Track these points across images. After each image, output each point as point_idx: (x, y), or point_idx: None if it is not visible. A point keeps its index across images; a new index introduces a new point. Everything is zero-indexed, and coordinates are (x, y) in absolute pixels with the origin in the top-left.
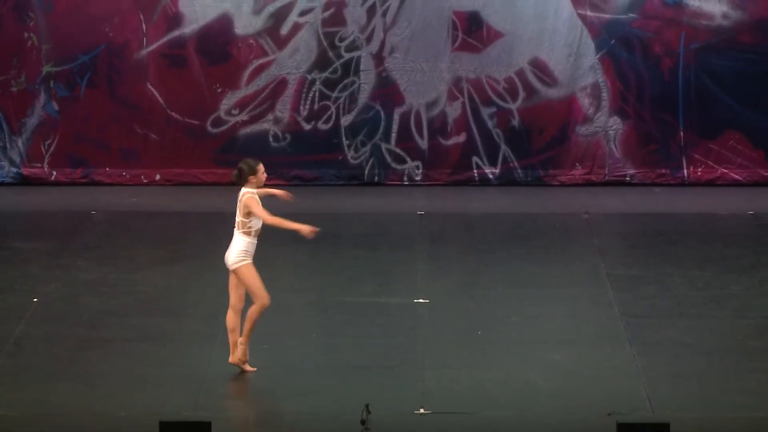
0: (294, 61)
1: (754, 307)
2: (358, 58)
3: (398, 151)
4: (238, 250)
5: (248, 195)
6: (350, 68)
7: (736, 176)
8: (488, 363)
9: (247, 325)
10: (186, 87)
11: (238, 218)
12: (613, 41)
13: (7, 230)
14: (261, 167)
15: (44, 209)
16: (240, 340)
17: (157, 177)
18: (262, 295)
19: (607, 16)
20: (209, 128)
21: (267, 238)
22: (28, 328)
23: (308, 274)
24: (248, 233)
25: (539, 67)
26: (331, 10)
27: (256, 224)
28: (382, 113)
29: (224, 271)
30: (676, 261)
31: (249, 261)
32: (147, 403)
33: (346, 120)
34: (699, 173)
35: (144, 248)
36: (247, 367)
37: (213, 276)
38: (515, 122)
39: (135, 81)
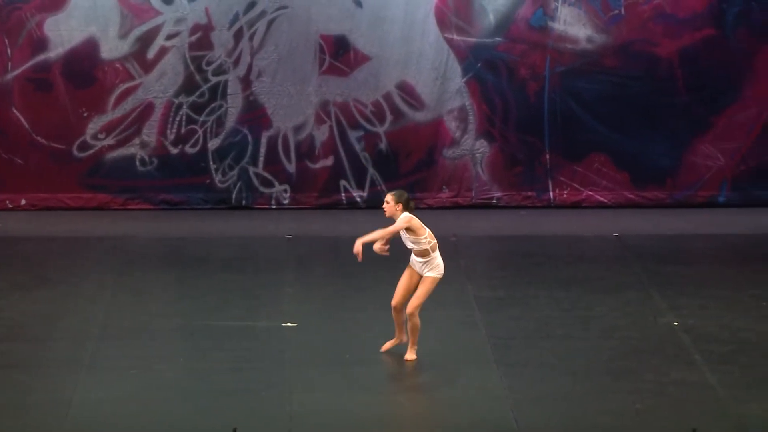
0: (161, 84)
1: (619, 328)
2: (225, 81)
3: (266, 174)
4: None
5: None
6: (217, 92)
7: (601, 198)
8: (356, 386)
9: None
10: (52, 111)
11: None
12: (479, 64)
13: None
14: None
15: None
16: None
17: (23, 202)
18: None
19: (473, 39)
20: (75, 152)
21: (134, 261)
22: None
23: (175, 298)
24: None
25: (406, 91)
26: (198, 34)
27: (408, 244)
28: (249, 137)
29: (90, 296)
30: (542, 282)
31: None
32: (12, 430)
33: (213, 144)
34: (564, 195)
35: (8, 274)
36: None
37: (79, 301)
38: (382, 145)
39: None
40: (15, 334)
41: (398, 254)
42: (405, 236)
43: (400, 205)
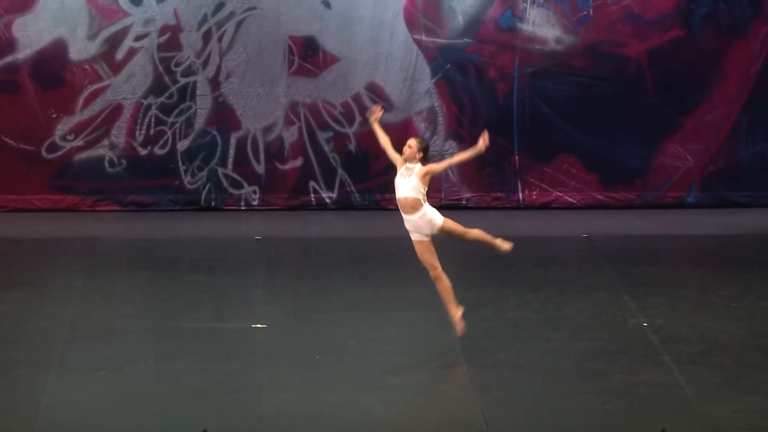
0: (129, 86)
1: (589, 329)
2: (194, 82)
3: (235, 176)
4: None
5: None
6: (186, 93)
7: (570, 199)
8: (326, 387)
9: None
10: (20, 112)
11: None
12: (448, 66)
13: None
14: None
15: None
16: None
17: None
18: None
19: (442, 40)
20: (44, 154)
21: (103, 263)
22: None
23: (144, 299)
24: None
25: (375, 92)
26: (167, 35)
27: (406, 191)
28: (218, 138)
29: (59, 297)
30: (512, 283)
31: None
32: None
33: (182, 145)
34: (534, 196)
35: None
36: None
37: (48, 303)
38: (352, 147)
39: None
40: None
41: (364, 255)
42: (411, 182)
43: (421, 154)
